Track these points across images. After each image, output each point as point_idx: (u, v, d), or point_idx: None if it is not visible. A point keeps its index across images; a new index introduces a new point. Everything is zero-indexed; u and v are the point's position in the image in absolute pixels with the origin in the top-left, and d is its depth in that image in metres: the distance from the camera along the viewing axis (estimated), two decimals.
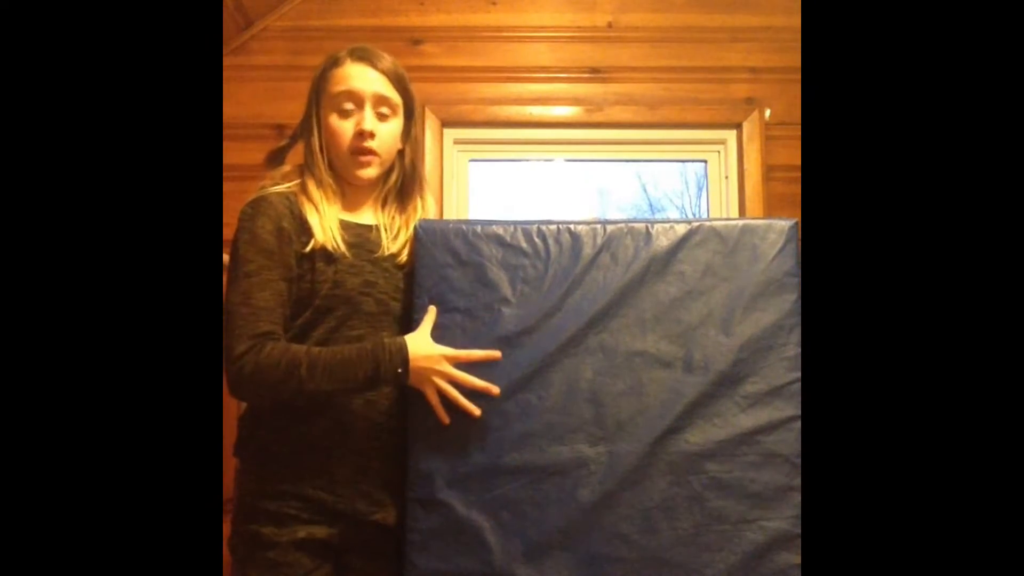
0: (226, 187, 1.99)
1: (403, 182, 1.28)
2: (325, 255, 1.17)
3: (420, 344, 1.14)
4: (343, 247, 1.18)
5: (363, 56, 1.22)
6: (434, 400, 1.14)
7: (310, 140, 1.22)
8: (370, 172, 1.22)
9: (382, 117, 1.22)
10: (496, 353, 1.15)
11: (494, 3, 2.18)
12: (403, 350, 1.12)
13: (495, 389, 1.14)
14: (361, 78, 1.20)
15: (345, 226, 1.22)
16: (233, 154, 2.02)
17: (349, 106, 1.20)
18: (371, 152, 1.21)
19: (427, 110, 2.11)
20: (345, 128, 1.20)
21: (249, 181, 2.08)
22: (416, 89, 1.89)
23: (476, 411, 1.14)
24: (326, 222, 1.18)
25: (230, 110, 2.07)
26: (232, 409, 2.00)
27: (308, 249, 1.16)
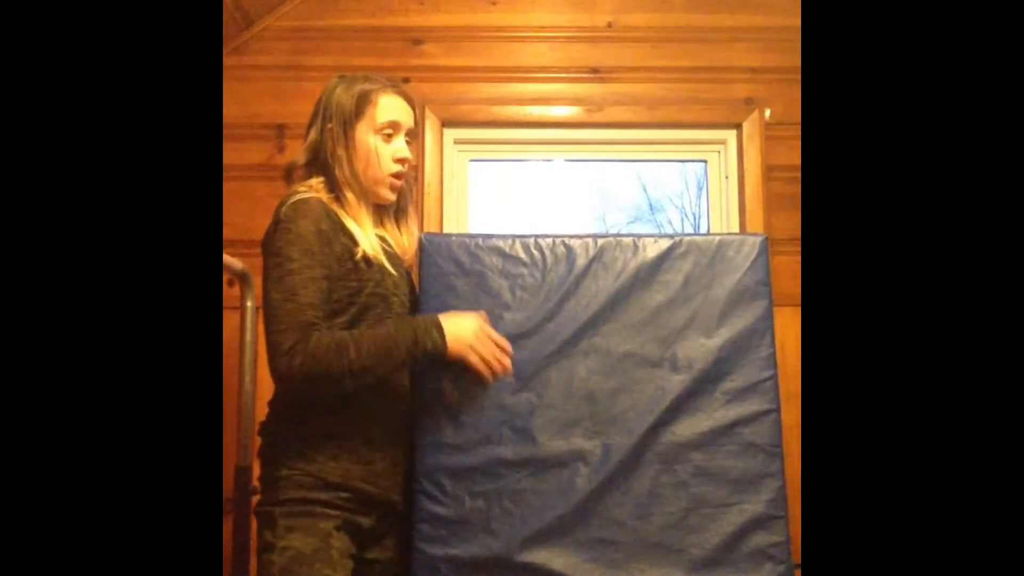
0: (226, 187, 2.17)
1: (400, 200, 1.48)
2: (367, 261, 1.35)
3: (454, 315, 1.34)
4: (383, 258, 1.37)
5: (400, 91, 1.44)
6: (477, 364, 1.34)
7: (349, 158, 1.38)
8: (394, 195, 1.44)
9: (408, 145, 1.45)
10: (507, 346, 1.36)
11: (494, 3, 2.30)
12: (436, 319, 1.31)
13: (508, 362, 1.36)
14: (403, 111, 1.43)
15: None
16: (233, 154, 2.18)
17: (390, 133, 1.41)
18: (403, 177, 1.44)
19: (427, 110, 2.21)
20: (386, 152, 1.41)
21: (249, 181, 2.24)
22: (416, 89, 2.00)
23: (508, 368, 1.35)
24: (368, 235, 1.36)
25: (230, 110, 2.19)
26: (232, 408, 2.16)
27: (359, 257, 1.33)
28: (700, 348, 1.38)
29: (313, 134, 1.41)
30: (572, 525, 1.34)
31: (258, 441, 1.41)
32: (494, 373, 1.35)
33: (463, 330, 1.33)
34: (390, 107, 1.41)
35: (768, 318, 1.39)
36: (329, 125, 1.39)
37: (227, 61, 2.28)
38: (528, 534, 1.33)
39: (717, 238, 1.42)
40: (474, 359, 1.34)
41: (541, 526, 1.33)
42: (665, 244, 1.42)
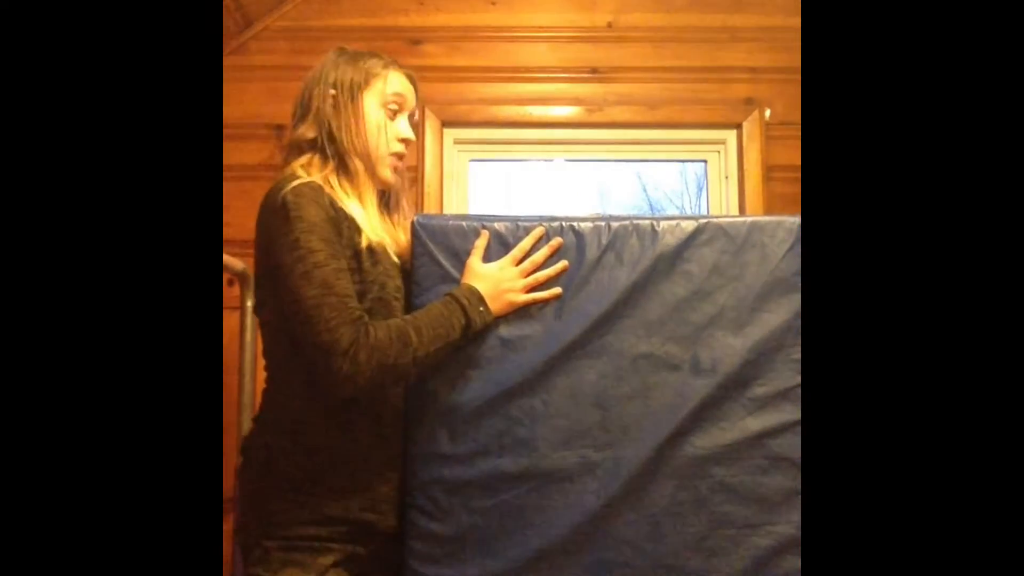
0: (226, 187, 2.01)
1: (393, 190, 1.29)
2: (372, 255, 1.14)
3: (480, 275, 1.15)
4: (389, 249, 1.18)
5: (407, 72, 1.28)
6: (528, 301, 1.17)
7: (357, 126, 1.19)
8: (394, 177, 1.25)
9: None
10: (558, 241, 1.17)
11: (494, 3, 2.19)
12: (475, 291, 1.14)
13: (558, 291, 1.17)
14: (408, 89, 1.27)
15: None
16: (233, 154, 2.07)
17: (395, 108, 1.24)
18: (403, 159, 1.26)
19: (427, 110, 2.11)
20: (391, 128, 1.23)
21: (249, 181, 2.10)
22: None
23: (559, 291, 1.17)
24: (371, 217, 1.17)
25: (230, 110, 2.08)
26: (232, 410, 1.99)
27: (365, 245, 1.13)
28: (726, 348, 1.12)
29: (316, 103, 1.20)
30: (579, 546, 1.11)
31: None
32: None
33: (498, 286, 1.15)
34: (398, 80, 1.25)
35: None
36: (332, 92, 1.20)
37: (227, 61, 2.17)
38: (530, 555, 1.11)
39: (748, 220, 1.15)
40: (523, 299, 1.17)
41: (544, 546, 1.11)
42: (688, 228, 1.15)
